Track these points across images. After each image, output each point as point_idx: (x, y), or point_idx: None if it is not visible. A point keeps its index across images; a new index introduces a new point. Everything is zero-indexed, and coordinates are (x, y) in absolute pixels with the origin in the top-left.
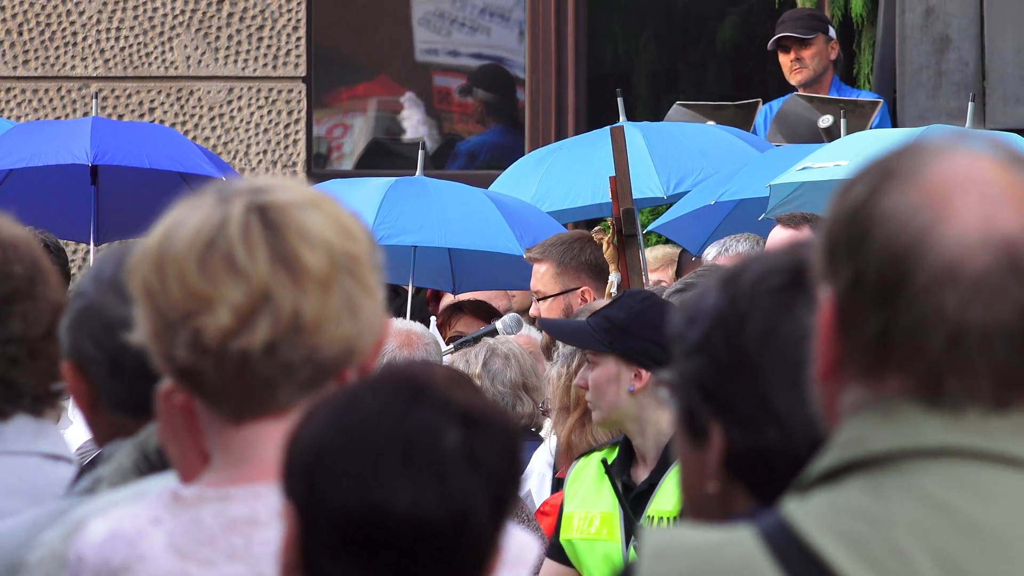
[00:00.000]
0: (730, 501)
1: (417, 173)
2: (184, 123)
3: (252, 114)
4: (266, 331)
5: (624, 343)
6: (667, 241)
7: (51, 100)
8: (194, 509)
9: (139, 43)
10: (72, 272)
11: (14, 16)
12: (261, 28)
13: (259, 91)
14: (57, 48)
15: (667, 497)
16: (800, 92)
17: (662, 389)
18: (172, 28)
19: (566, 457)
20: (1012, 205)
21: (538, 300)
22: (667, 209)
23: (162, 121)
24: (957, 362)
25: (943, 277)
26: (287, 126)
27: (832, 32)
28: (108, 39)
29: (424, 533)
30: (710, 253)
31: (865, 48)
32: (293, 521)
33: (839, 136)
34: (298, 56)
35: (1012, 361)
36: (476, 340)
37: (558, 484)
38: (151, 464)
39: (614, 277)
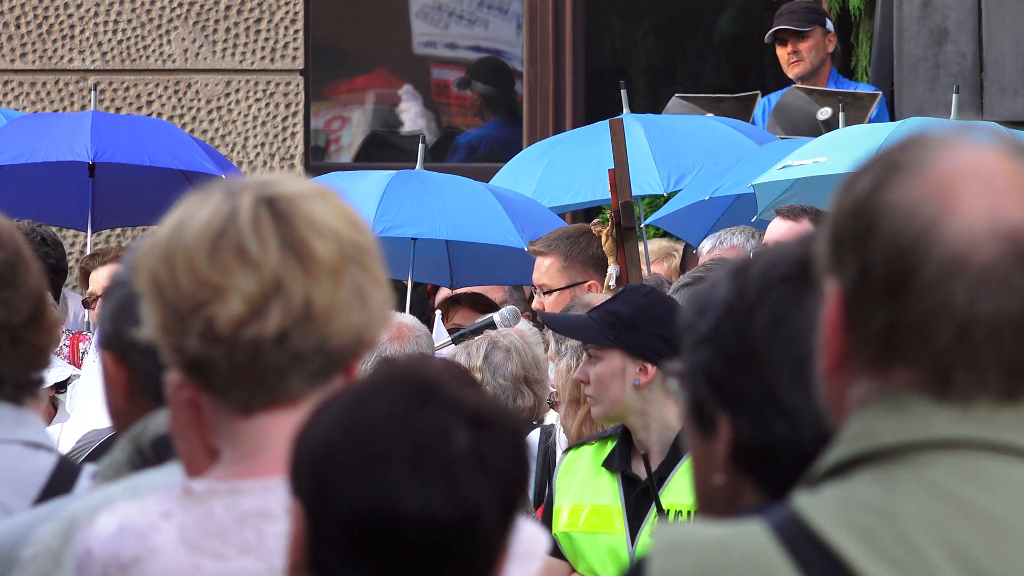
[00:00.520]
0: (737, 493)
1: (417, 166)
2: (182, 116)
3: (250, 107)
4: (278, 319)
5: (629, 337)
6: (665, 234)
7: (48, 93)
8: (205, 503)
9: (136, 36)
10: (69, 264)
11: (11, 9)
12: (259, 21)
13: (257, 84)
14: (55, 41)
15: (680, 490)
16: (799, 85)
17: (671, 380)
18: (170, 21)
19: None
20: (1018, 196)
21: (544, 293)
22: (665, 202)
23: (159, 114)
24: (965, 354)
25: (951, 269)
26: (285, 119)
27: (829, 25)
28: (105, 32)
29: (433, 533)
30: (705, 246)
31: (863, 40)
32: (300, 520)
33: (837, 128)
34: (296, 49)
35: (1020, 352)
36: (475, 332)
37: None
38: (145, 458)
39: (612, 270)
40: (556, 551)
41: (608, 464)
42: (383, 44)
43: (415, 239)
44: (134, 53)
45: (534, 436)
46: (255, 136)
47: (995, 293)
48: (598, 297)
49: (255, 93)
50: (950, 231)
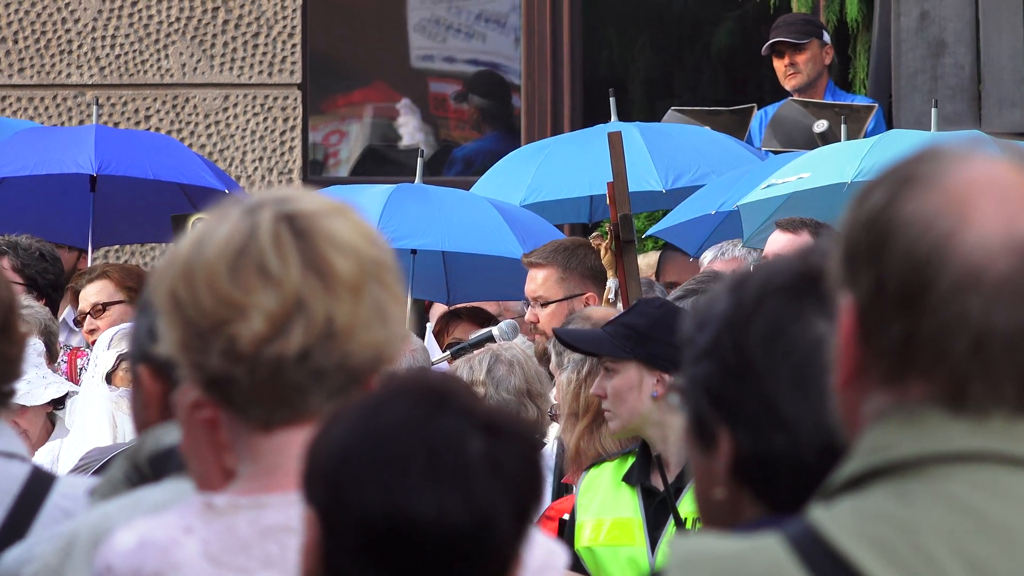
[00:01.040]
0: (738, 507)
1: (416, 181)
2: (180, 130)
3: (248, 121)
4: (300, 338)
5: (646, 349)
6: (665, 245)
7: (47, 108)
8: (227, 517)
9: (135, 51)
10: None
11: (9, 24)
12: (256, 35)
13: (255, 98)
14: (53, 56)
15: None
16: (795, 97)
17: (672, 395)
18: (167, 36)
19: (574, 463)
20: None
21: (541, 305)
22: (664, 215)
23: (158, 129)
24: (981, 367)
25: (966, 282)
26: (283, 133)
27: (827, 37)
28: (104, 47)
29: (448, 540)
30: (707, 257)
31: (860, 52)
32: (314, 527)
33: (834, 141)
34: (294, 63)
35: None
36: (474, 346)
37: (561, 489)
38: (142, 475)
39: (612, 283)
40: (579, 567)
41: (628, 478)
42: (381, 58)
43: (415, 252)
44: (132, 68)
45: (551, 448)
46: (253, 150)
47: (1011, 305)
48: (598, 310)
49: (253, 107)
50: (965, 244)
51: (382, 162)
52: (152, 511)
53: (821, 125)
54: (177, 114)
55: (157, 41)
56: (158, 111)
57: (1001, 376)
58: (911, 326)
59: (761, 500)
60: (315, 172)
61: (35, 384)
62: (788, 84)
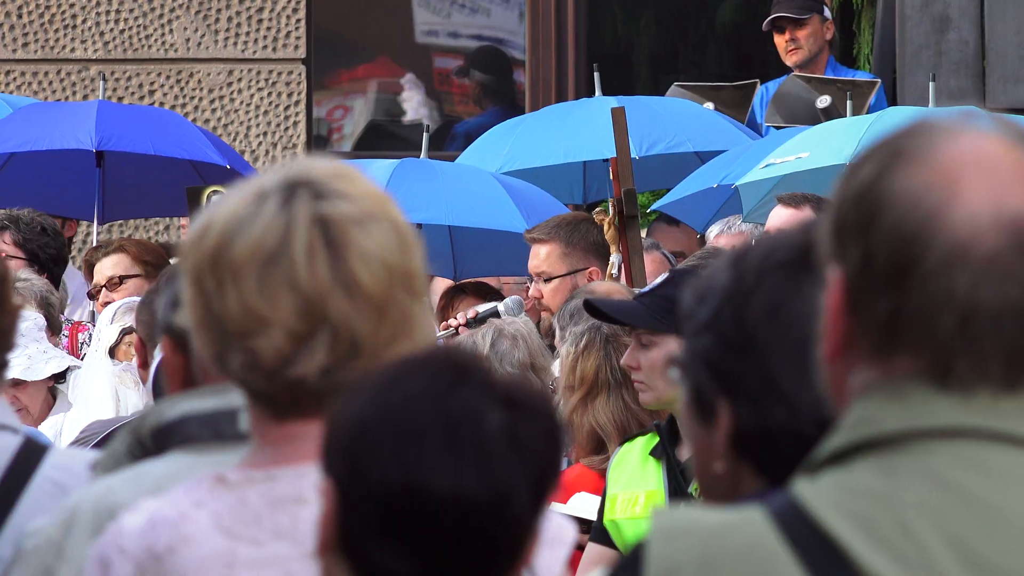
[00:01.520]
0: (738, 481)
1: (422, 156)
2: (184, 105)
3: (252, 96)
4: (323, 357)
5: None
6: (670, 220)
7: (51, 83)
8: (239, 490)
9: (139, 25)
10: (72, 253)
11: None
12: (261, 10)
13: (259, 73)
14: (57, 31)
15: None
16: (797, 73)
17: (673, 369)
18: (172, 10)
19: (571, 431)
20: (1021, 185)
21: (544, 281)
22: (667, 192)
23: (162, 104)
24: (968, 343)
25: (954, 258)
26: (287, 108)
27: (827, 12)
28: (108, 21)
29: (465, 514)
30: (713, 231)
31: (865, 28)
32: (332, 498)
33: (837, 116)
34: (298, 38)
35: (1022, 341)
36: (479, 321)
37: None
38: (145, 449)
39: (615, 258)
40: (607, 540)
41: (655, 452)
42: (385, 33)
43: (420, 225)
44: (136, 43)
45: None
46: (257, 125)
47: (998, 282)
48: (602, 285)
49: (257, 82)
50: (954, 220)
51: (386, 137)
52: (155, 485)
53: (824, 100)
54: (181, 89)
55: (161, 16)
56: (162, 86)
57: (987, 352)
58: (898, 301)
59: (761, 474)
60: (319, 147)
61: (36, 359)
62: (789, 60)
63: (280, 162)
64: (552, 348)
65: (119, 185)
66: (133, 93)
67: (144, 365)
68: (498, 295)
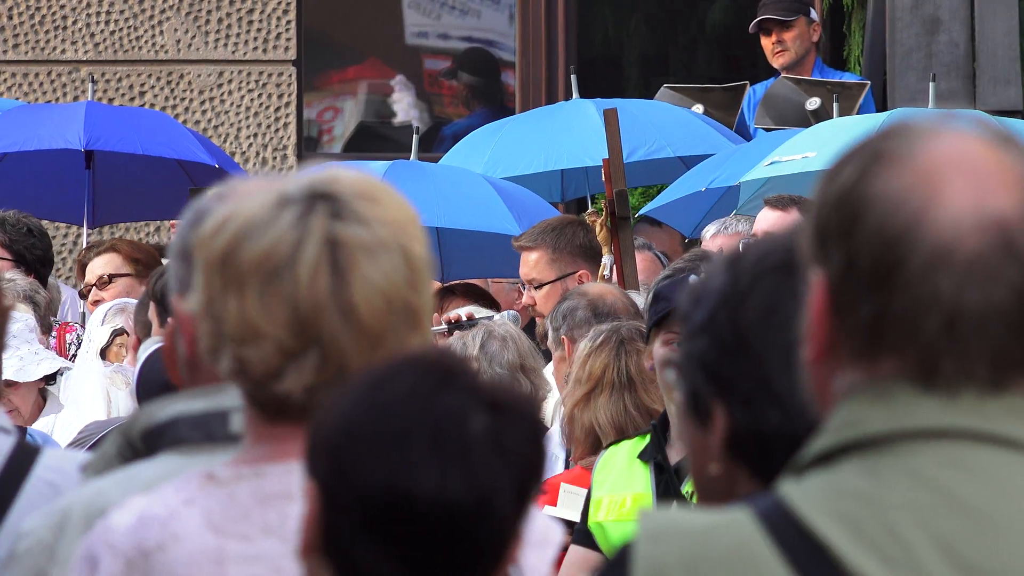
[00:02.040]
0: (734, 483)
1: (412, 158)
2: (174, 107)
3: (242, 97)
4: (309, 376)
5: None
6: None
7: (41, 84)
8: (229, 487)
9: (129, 27)
10: (62, 255)
11: (3, 0)
12: (251, 11)
13: (249, 74)
14: (47, 32)
15: None
16: (785, 75)
17: (669, 371)
18: (162, 12)
19: (568, 427)
20: (1003, 186)
21: (535, 288)
22: (658, 192)
23: (152, 105)
24: (953, 344)
25: (937, 260)
26: (277, 109)
27: (814, 14)
28: (98, 23)
29: (448, 516)
30: (709, 231)
31: (855, 30)
32: (316, 500)
33: (827, 118)
34: (288, 39)
35: (1007, 343)
36: (472, 325)
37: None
38: (135, 450)
39: (607, 259)
40: (592, 543)
41: (643, 455)
42: (375, 34)
43: None
44: (126, 44)
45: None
46: (248, 127)
47: (982, 283)
48: (594, 287)
49: (247, 84)
50: (936, 222)
51: (376, 139)
52: (146, 487)
53: (813, 102)
54: (172, 90)
55: (152, 17)
56: (152, 87)
57: (972, 353)
58: (882, 304)
59: (756, 476)
60: (309, 149)
61: (27, 360)
62: (776, 62)
63: (314, 165)
64: (547, 353)
65: (108, 187)
66: (123, 94)
67: None
68: (487, 297)
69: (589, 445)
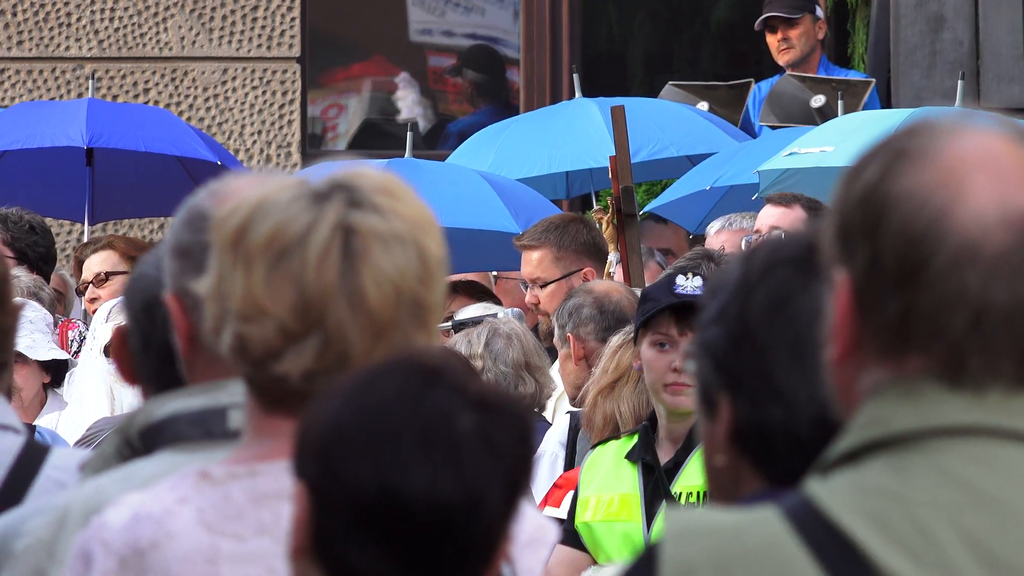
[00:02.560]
0: (739, 476)
1: (406, 155)
2: (178, 104)
3: (247, 95)
4: (309, 360)
5: None
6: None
7: (45, 81)
8: (223, 486)
9: (133, 24)
10: (66, 251)
11: None
12: (255, 8)
13: (253, 72)
14: (51, 29)
15: (694, 473)
16: (791, 72)
17: (688, 361)
18: (166, 9)
19: (590, 411)
20: None
21: (540, 287)
22: (663, 190)
23: (156, 102)
24: (980, 341)
25: (963, 257)
26: (281, 107)
27: (819, 12)
28: (102, 20)
29: (438, 515)
30: (714, 227)
31: (859, 28)
32: (305, 501)
33: (832, 116)
34: (292, 37)
35: None
36: (476, 323)
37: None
38: (133, 449)
39: (613, 256)
40: (578, 543)
41: (631, 455)
42: (380, 32)
43: None
44: (131, 41)
45: (564, 421)
46: (252, 124)
47: (1009, 280)
48: (600, 284)
49: (252, 81)
50: (961, 219)
51: (380, 136)
52: (144, 485)
53: (818, 100)
54: (176, 88)
55: (156, 14)
56: (156, 84)
57: (999, 350)
58: (908, 302)
59: (758, 470)
60: (313, 146)
61: (40, 342)
62: (781, 59)
63: (317, 163)
64: (551, 351)
65: (109, 184)
66: (127, 91)
67: None
68: (490, 294)
69: (607, 433)
